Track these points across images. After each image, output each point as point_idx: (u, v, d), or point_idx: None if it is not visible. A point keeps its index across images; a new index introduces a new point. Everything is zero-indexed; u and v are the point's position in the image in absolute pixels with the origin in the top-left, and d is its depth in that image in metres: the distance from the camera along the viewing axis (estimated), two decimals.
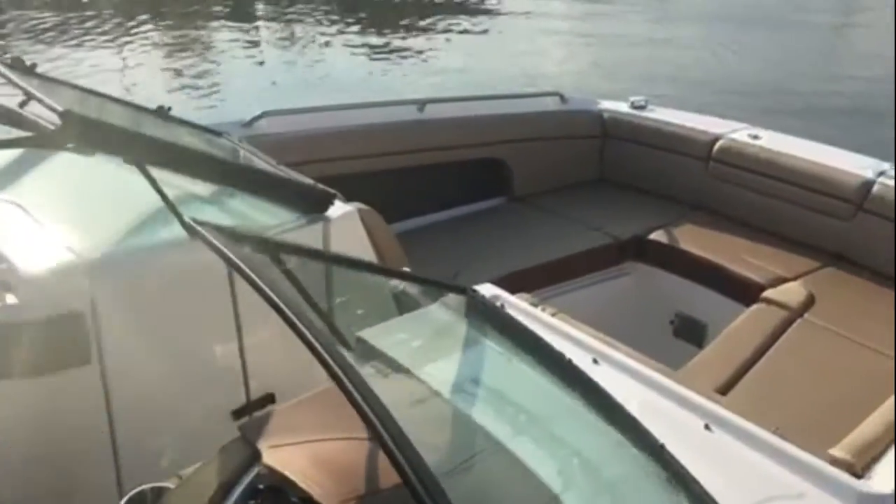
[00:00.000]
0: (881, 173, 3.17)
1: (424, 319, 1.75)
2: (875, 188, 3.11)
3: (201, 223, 1.28)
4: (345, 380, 0.98)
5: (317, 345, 1.03)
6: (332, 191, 2.30)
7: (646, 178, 3.81)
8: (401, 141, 3.39)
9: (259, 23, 12.98)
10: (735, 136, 3.56)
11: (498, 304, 1.83)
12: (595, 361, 1.67)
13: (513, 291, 3.11)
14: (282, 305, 1.10)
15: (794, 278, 3.02)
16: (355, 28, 12.32)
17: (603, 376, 1.62)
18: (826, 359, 2.55)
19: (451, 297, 1.81)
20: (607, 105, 3.96)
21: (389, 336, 1.67)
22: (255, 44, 11.59)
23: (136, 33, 11.76)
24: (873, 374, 2.36)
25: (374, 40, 11.36)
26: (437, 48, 11.03)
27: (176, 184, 2.02)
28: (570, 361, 1.57)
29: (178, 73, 9.86)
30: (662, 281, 3.34)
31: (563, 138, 3.84)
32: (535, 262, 3.19)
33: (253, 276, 1.14)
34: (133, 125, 2.06)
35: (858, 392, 2.21)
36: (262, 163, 2.37)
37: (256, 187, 2.08)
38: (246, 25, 12.58)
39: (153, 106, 2.42)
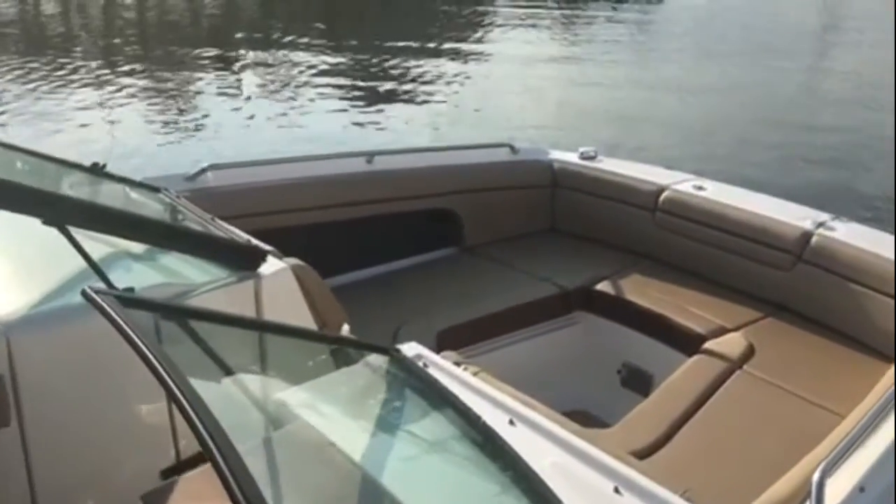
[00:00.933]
0: (820, 224, 3.24)
1: (344, 380, 1.74)
2: (814, 239, 3.17)
3: (99, 291, 1.27)
4: (218, 459, 0.98)
5: (195, 420, 1.03)
6: (266, 248, 2.30)
7: (595, 228, 3.85)
8: (349, 193, 3.42)
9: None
10: (680, 186, 3.63)
11: (421, 363, 1.84)
12: (511, 422, 1.67)
13: (460, 343, 3.14)
14: (165, 377, 1.09)
15: (736, 329, 3.05)
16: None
17: (518, 437, 1.63)
18: (761, 412, 2.57)
19: (374, 357, 1.81)
20: (557, 155, 4.02)
21: (307, 397, 1.66)
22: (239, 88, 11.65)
23: (117, 80, 11.81)
24: (804, 427, 2.38)
25: (362, 84, 11.40)
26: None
27: (111, 241, 2.02)
28: (484, 423, 1.58)
29: (164, 122, 9.88)
30: (610, 331, 3.37)
31: (513, 188, 3.89)
32: (483, 312, 3.21)
33: (140, 345, 1.14)
34: (55, 185, 2.06)
35: (787, 446, 2.22)
36: (196, 219, 2.37)
37: (184, 246, 2.08)
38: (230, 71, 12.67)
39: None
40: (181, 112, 10.15)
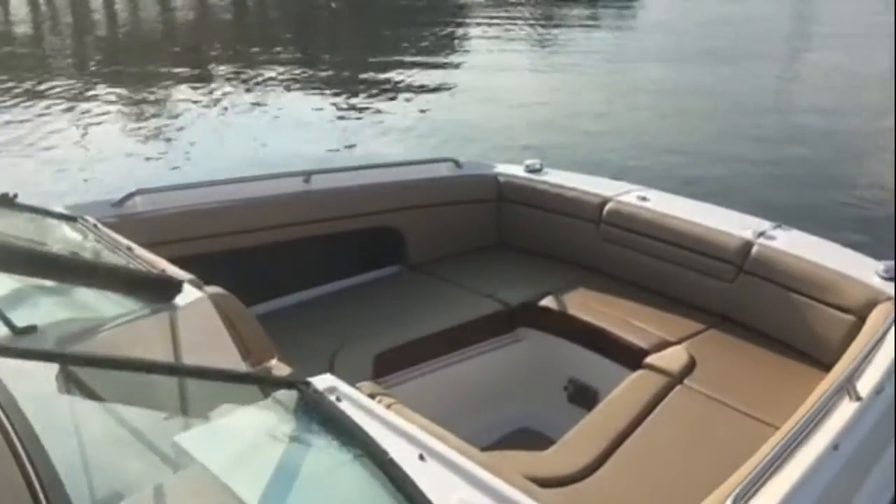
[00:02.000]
0: (761, 234, 3.22)
1: (247, 419, 1.68)
2: (754, 249, 3.15)
3: None
4: None
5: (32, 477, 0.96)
6: (185, 276, 2.23)
7: (542, 242, 3.82)
8: (286, 214, 3.35)
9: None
10: (623, 198, 3.60)
11: (334, 396, 1.78)
12: (421, 457, 1.61)
13: (399, 365, 3.09)
14: (9, 430, 1.03)
15: (678, 342, 3.02)
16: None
17: (428, 473, 1.57)
18: (698, 427, 2.54)
19: (282, 393, 1.75)
20: (502, 169, 3.98)
21: (204, 439, 1.60)
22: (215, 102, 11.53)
23: (92, 97, 11.65)
24: (740, 441, 2.34)
25: (342, 101, 11.32)
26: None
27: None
28: (390, 460, 1.52)
29: (142, 137, 9.76)
30: (555, 346, 3.32)
31: (458, 203, 3.84)
32: (425, 332, 3.15)
33: None
34: None
35: (721, 463, 2.19)
36: (112, 249, 2.30)
37: (90, 280, 2.00)
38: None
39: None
40: (156, 130, 10.04)
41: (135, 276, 2.10)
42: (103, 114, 10.71)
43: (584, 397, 3.23)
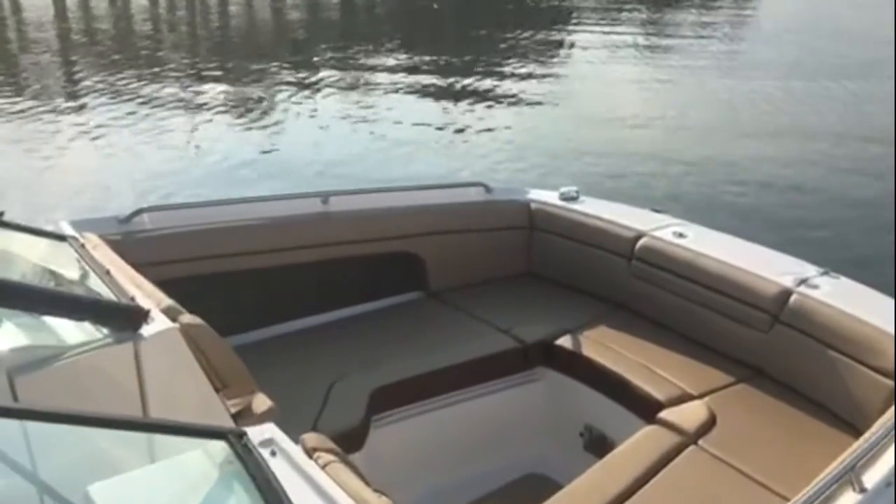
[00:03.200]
0: (803, 281, 2.95)
1: (168, 472, 1.59)
2: (793, 298, 2.88)
3: None
4: None
5: None
6: (161, 304, 2.17)
7: (571, 274, 3.62)
8: (302, 235, 3.27)
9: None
10: (659, 233, 3.37)
11: (268, 450, 1.66)
12: None
13: (401, 400, 2.96)
14: None
15: (700, 396, 2.79)
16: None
17: None
18: (705, 494, 2.31)
19: (214, 444, 1.65)
20: (535, 195, 3.80)
21: (119, 491, 1.51)
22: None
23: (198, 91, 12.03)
24: None
25: (444, 113, 11.18)
26: None
27: None
28: None
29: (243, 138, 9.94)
30: (572, 390, 3.13)
31: (486, 230, 3.69)
32: (434, 366, 3.01)
33: None
34: None
35: None
36: (88, 272, 2.25)
37: (51, 309, 1.96)
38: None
39: None
40: (262, 127, 10.21)
41: (99, 305, 2.05)
42: (210, 111, 11.00)
43: (599, 446, 3.03)
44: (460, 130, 9.98)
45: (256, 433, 1.71)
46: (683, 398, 2.77)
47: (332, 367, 2.94)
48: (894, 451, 2.00)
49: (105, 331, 2.05)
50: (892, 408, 2.22)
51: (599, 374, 3.02)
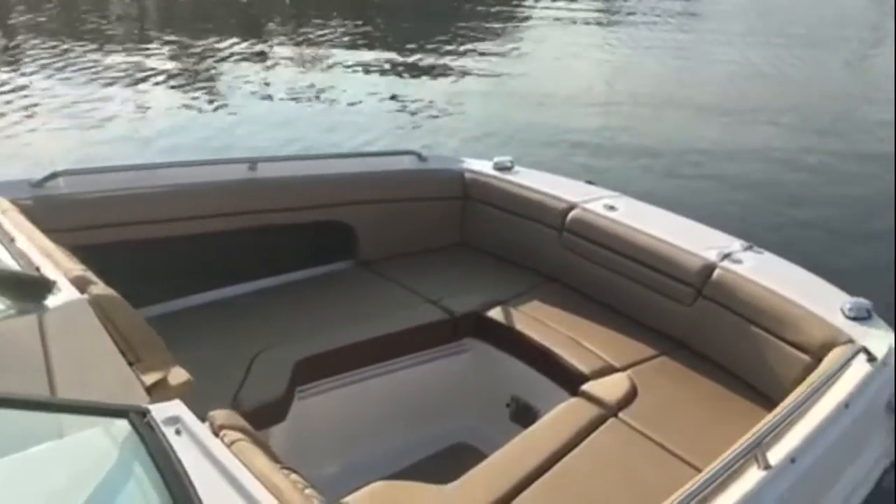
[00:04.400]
0: (727, 256, 2.99)
1: (70, 450, 1.53)
2: (716, 273, 2.92)
3: None
4: None
5: None
6: (71, 274, 2.08)
7: (504, 245, 3.61)
8: (226, 202, 3.18)
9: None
10: (590, 205, 3.38)
11: (173, 428, 1.61)
12: None
13: (327, 371, 2.92)
14: None
15: (623, 368, 2.81)
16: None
17: None
18: (622, 467, 2.34)
19: (117, 423, 1.59)
20: (469, 165, 3.77)
21: (19, 469, 1.45)
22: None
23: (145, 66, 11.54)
24: (662, 485, 2.13)
25: (396, 86, 10.89)
26: None
27: None
28: None
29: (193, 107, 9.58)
30: (500, 361, 3.13)
31: (419, 200, 3.65)
32: (361, 336, 2.98)
33: None
34: None
35: None
36: None
37: None
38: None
39: None
40: (209, 102, 9.85)
41: (3, 276, 1.95)
42: (155, 84, 10.60)
43: (525, 417, 3.04)
44: (408, 103, 9.85)
45: (161, 410, 1.66)
46: (607, 370, 2.79)
47: (256, 338, 2.88)
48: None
49: (7, 302, 1.96)
50: (803, 384, 2.27)
51: (527, 346, 3.02)
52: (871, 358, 2.40)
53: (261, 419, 2.54)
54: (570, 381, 2.79)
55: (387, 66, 11.88)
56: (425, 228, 3.68)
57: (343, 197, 3.44)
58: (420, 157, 3.69)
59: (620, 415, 2.57)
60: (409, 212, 3.62)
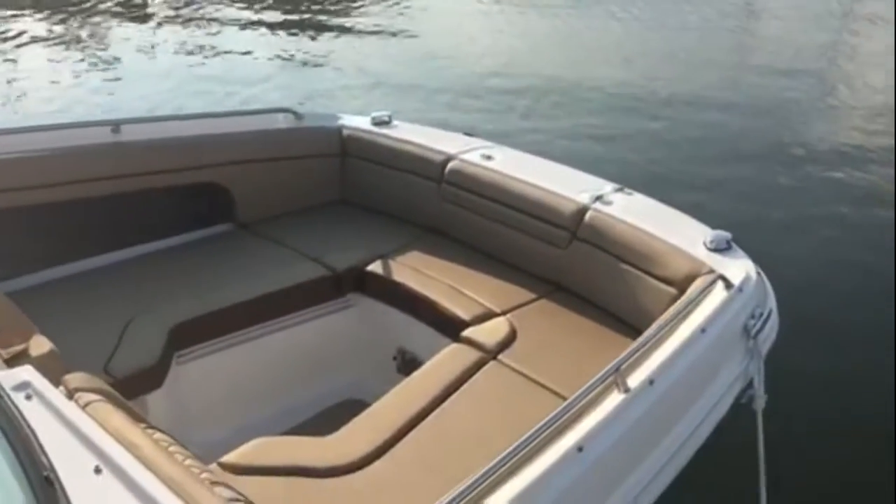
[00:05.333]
0: (598, 198, 3.08)
1: None
2: (588, 215, 3.01)
3: None
4: None
5: None
6: None
7: (384, 201, 3.61)
8: (89, 167, 3.04)
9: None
10: (467, 156, 3.41)
11: (23, 394, 1.55)
12: (97, 470, 1.41)
13: (209, 333, 2.86)
14: None
15: (503, 313, 2.87)
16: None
17: (99, 487, 1.38)
18: (501, 406, 2.40)
19: None
20: (347, 121, 3.73)
21: None
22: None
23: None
24: (536, 421, 2.21)
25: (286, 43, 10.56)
26: None
27: None
28: (47, 477, 1.32)
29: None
30: (385, 314, 3.15)
31: (297, 158, 3.59)
32: (240, 298, 2.93)
33: None
34: None
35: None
36: None
37: None
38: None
39: None
40: (91, 64, 9.28)
41: None
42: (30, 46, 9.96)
43: (411, 368, 3.06)
44: (297, 61, 9.63)
45: (10, 377, 1.59)
46: (487, 316, 2.85)
47: (129, 304, 2.79)
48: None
49: None
50: (664, 314, 2.37)
51: (410, 297, 3.04)
52: (729, 285, 2.54)
53: (135, 386, 2.47)
54: (453, 328, 2.84)
55: (277, 24, 11.55)
56: (304, 187, 3.64)
57: (216, 158, 3.35)
58: (296, 114, 3.62)
59: (500, 357, 2.63)
60: (287, 171, 3.56)
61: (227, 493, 1.47)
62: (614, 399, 1.92)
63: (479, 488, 1.59)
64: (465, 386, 2.49)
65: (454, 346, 2.70)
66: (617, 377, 1.96)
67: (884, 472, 3.31)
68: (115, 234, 3.15)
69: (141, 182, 3.16)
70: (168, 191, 3.25)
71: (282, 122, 3.60)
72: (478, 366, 2.58)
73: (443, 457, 2.15)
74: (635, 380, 1.98)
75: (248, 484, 1.86)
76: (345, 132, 3.66)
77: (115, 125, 3.12)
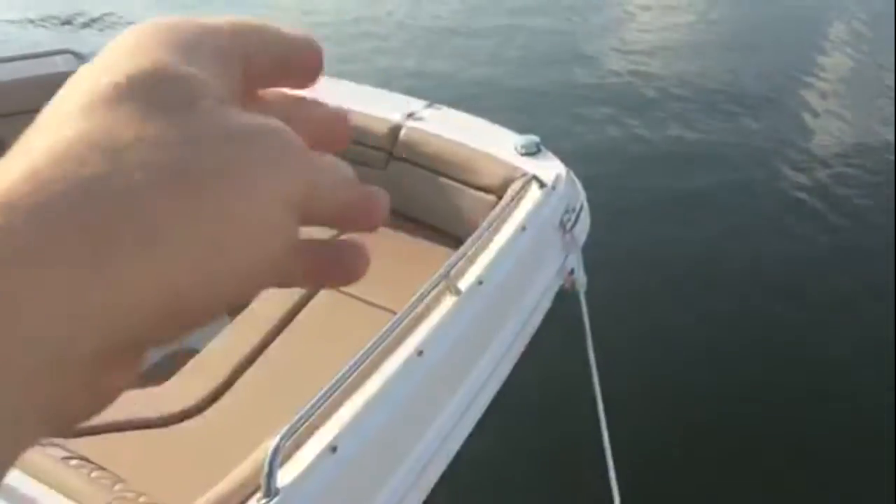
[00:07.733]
0: (410, 115, 3.08)
1: None
2: (402, 133, 3.01)
3: None
4: None
5: None
6: None
7: None
8: None
9: None
10: None
11: None
12: None
13: None
14: None
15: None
16: None
17: None
18: (331, 336, 2.39)
19: None
20: None
21: None
22: None
23: None
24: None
25: None
26: None
27: None
28: None
29: None
30: None
31: None
32: None
33: None
34: None
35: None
36: None
37: None
38: None
39: None
40: None
41: None
42: None
43: (239, 310, 2.99)
44: None
45: None
46: None
47: None
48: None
49: None
50: (486, 219, 2.45)
51: None
52: (542, 185, 2.65)
53: None
54: None
55: None
56: None
57: None
58: (77, 55, 3.30)
59: None
60: None
61: (60, 453, 1.39)
62: (448, 302, 1.97)
63: (320, 409, 1.59)
64: (298, 318, 2.47)
65: None
66: (448, 282, 2.00)
67: (694, 314, 3.69)
68: None
69: None
70: None
71: (60, 65, 3.27)
72: (306, 297, 2.55)
73: (281, 391, 2.13)
74: (465, 282, 2.04)
75: (81, 442, 1.77)
76: None
77: None
